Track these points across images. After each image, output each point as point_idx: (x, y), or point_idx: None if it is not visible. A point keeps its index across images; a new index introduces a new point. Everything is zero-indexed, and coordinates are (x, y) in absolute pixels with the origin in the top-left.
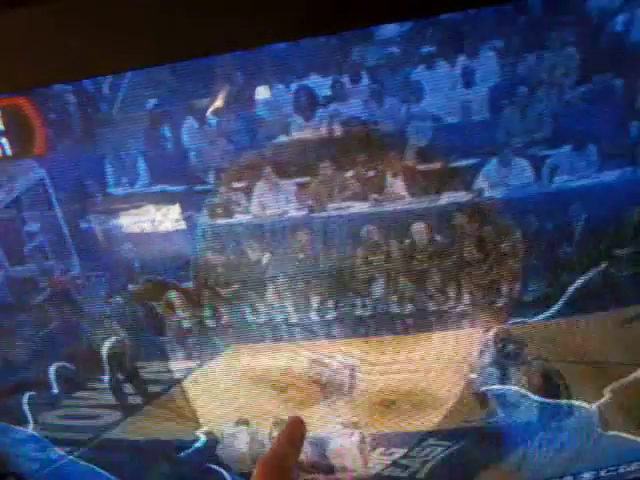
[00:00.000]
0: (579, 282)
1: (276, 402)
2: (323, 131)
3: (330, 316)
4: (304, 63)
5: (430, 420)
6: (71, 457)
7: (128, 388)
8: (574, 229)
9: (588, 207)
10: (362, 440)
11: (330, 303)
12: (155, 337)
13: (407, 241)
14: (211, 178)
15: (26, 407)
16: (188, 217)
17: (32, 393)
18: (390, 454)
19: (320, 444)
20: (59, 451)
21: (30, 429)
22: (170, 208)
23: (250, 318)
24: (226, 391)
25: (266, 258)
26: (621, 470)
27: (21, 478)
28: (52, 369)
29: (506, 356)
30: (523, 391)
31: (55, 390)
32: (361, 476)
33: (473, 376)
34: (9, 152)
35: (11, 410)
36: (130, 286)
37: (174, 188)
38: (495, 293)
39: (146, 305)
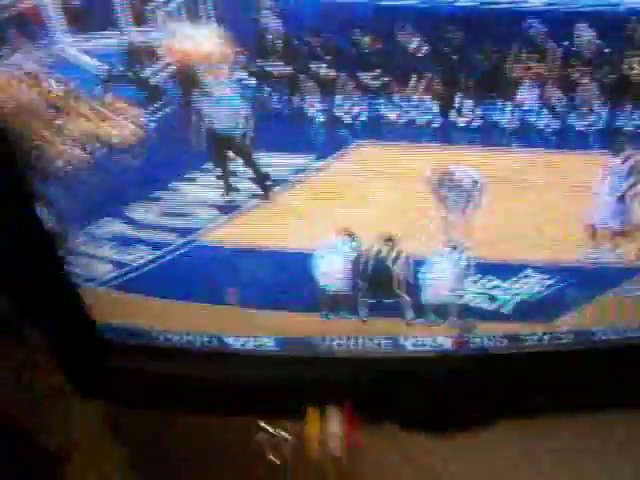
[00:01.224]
0: None
1: (389, 214)
2: None
3: (469, 119)
4: None
5: (538, 251)
6: (152, 260)
7: (235, 181)
8: None
9: None
10: (461, 264)
11: (471, 103)
12: (278, 125)
13: (566, 42)
14: None
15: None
16: None
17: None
18: (484, 283)
19: (418, 265)
20: (141, 253)
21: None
22: None
23: (385, 113)
24: (339, 195)
25: (419, 46)
26: None
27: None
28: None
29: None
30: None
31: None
32: (449, 305)
33: (596, 208)
34: None
35: (98, 202)
36: (263, 65)
37: None
38: None
39: (276, 89)
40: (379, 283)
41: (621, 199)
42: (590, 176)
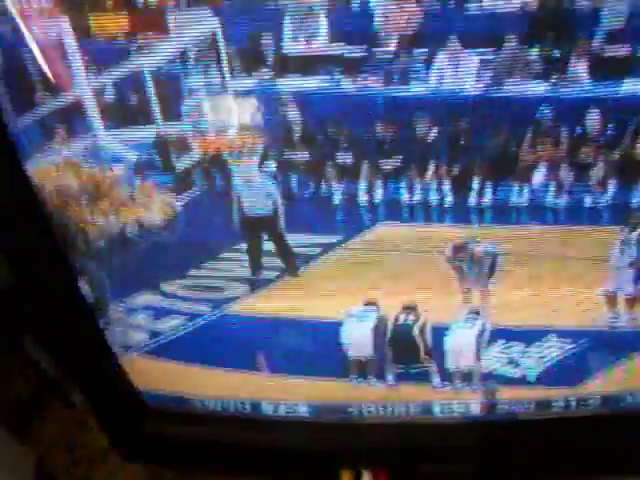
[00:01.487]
0: None
1: (410, 286)
2: (515, 3)
3: (485, 200)
4: None
5: (557, 318)
6: (185, 329)
7: (265, 260)
8: None
9: None
10: (483, 331)
11: (488, 187)
12: (304, 209)
13: (579, 129)
14: (393, 43)
15: (150, 275)
16: (362, 83)
17: (160, 261)
18: (508, 350)
19: (441, 334)
20: (174, 322)
21: (149, 298)
22: (342, 72)
23: (404, 196)
24: (362, 269)
25: (433, 133)
26: None
27: None
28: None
29: None
30: None
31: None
32: (474, 371)
33: (610, 275)
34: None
35: (134, 277)
36: (286, 152)
37: (352, 51)
38: None
39: (302, 173)
40: (405, 351)
41: (634, 266)
42: (605, 248)
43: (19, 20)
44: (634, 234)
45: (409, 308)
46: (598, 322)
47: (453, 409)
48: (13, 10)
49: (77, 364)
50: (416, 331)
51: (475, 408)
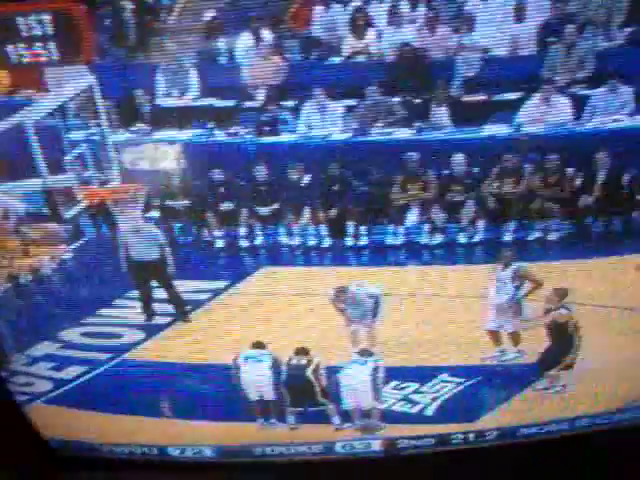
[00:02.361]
0: (602, 224)
1: (299, 328)
2: (375, 55)
3: (362, 242)
4: None
5: (447, 356)
6: (86, 377)
7: (156, 306)
8: (599, 171)
9: (618, 150)
10: (376, 371)
11: (363, 229)
12: (189, 255)
13: (445, 171)
14: (261, 95)
15: (47, 323)
16: (234, 134)
17: (55, 310)
18: (402, 388)
19: (334, 375)
20: (75, 371)
21: (48, 346)
22: (216, 124)
23: (284, 240)
24: (251, 313)
25: (306, 179)
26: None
27: None
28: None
29: (522, 295)
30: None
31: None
32: (371, 410)
33: (490, 313)
34: (56, 57)
35: (32, 327)
36: (169, 202)
37: (223, 103)
38: (523, 229)
39: (184, 223)
40: (302, 392)
41: (510, 301)
42: (481, 285)
43: None
44: (507, 271)
45: (301, 350)
46: (486, 359)
47: (355, 446)
48: None
49: None
50: (309, 372)
51: (376, 445)
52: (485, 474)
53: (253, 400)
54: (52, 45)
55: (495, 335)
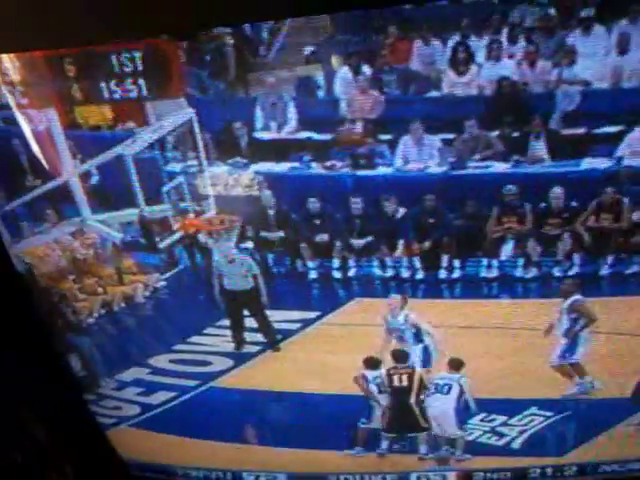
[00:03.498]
0: None
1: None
2: (473, 89)
3: (456, 275)
4: (463, 20)
5: (535, 389)
6: (173, 403)
7: (246, 335)
8: None
9: None
10: (462, 400)
11: (457, 262)
12: (283, 286)
13: (542, 205)
14: (359, 128)
15: (137, 350)
16: (330, 166)
17: (147, 336)
18: (490, 420)
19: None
20: (163, 396)
21: (138, 372)
22: (313, 156)
23: (377, 272)
24: (341, 344)
25: (401, 212)
26: None
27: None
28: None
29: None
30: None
31: (171, 335)
32: (457, 440)
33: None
34: (146, 93)
35: (123, 352)
36: (264, 233)
37: (321, 136)
38: (623, 262)
39: (278, 254)
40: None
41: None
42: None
43: (12, 110)
44: (566, 303)
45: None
46: (566, 392)
47: (430, 478)
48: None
49: (66, 436)
50: (413, 399)
51: (451, 477)
52: None
53: (357, 427)
54: (141, 81)
55: (561, 369)
